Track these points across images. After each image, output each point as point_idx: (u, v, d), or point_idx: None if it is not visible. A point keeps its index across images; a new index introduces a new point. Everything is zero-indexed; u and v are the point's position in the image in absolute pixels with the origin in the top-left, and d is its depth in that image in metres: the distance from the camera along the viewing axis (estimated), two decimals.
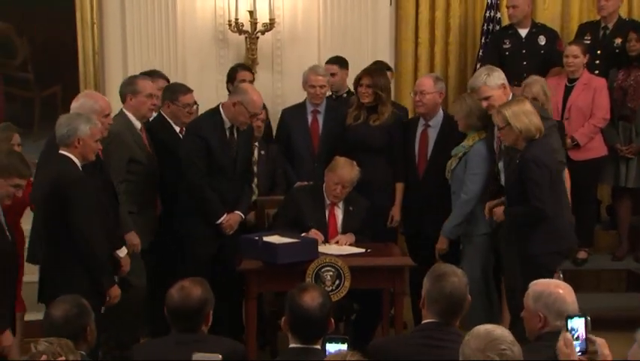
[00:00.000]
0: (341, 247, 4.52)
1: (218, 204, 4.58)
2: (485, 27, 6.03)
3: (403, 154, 5.03)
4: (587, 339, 2.62)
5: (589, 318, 2.65)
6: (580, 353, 2.60)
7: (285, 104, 5.72)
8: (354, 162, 4.69)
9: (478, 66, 5.95)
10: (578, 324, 2.64)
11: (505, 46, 5.83)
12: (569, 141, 5.25)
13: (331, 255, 4.28)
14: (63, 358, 2.56)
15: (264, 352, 4.83)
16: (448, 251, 4.76)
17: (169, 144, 4.76)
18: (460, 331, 2.78)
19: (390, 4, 6.21)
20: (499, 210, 4.34)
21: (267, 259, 4.23)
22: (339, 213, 4.76)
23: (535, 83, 4.95)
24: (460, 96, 4.91)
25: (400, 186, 5.03)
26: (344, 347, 2.64)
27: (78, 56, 5.78)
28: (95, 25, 5.78)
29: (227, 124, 4.60)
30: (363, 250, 4.48)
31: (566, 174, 4.79)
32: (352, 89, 5.25)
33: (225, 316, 4.66)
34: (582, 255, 5.52)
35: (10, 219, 3.90)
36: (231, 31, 5.85)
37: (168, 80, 5.26)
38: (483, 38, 6.04)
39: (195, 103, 4.93)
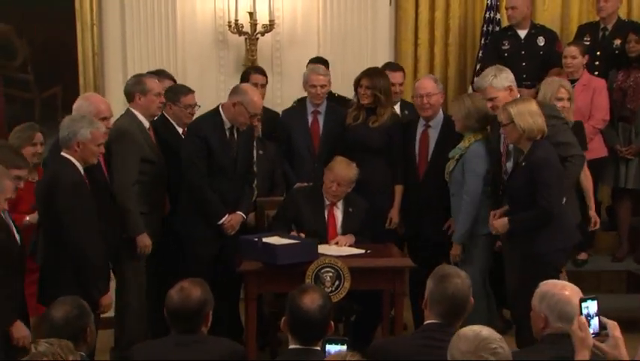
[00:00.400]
0: (341, 248, 4.52)
1: (219, 204, 4.58)
2: (485, 28, 6.04)
3: (403, 156, 5.03)
4: (600, 321, 2.65)
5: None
6: (593, 335, 2.62)
7: (285, 105, 5.73)
8: (353, 162, 4.69)
9: (477, 67, 5.98)
10: (591, 307, 2.66)
11: (504, 47, 5.84)
12: None
13: (331, 256, 4.28)
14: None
15: (264, 353, 4.83)
16: (448, 251, 4.77)
17: (172, 145, 4.77)
18: None
19: (390, 4, 6.22)
20: (499, 223, 4.28)
21: (267, 260, 4.23)
22: (338, 214, 4.75)
23: (544, 85, 4.91)
24: (459, 97, 4.90)
25: (399, 188, 5.03)
26: (344, 348, 2.64)
27: (78, 57, 5.79)
28: (95, 27, 5.79)
29: (227, 124, 4.61)
30: (362, 251, 4.47)
31: (587, 172, 4.81)
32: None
33: (225, 316, 4.67)
34: (582, 256, 5.52)
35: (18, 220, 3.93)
36: (231, 32, 5.86)
37: (175, 81, 5.27)
38: (482, 39, 6.05)
39: (196, 104, 4.94)
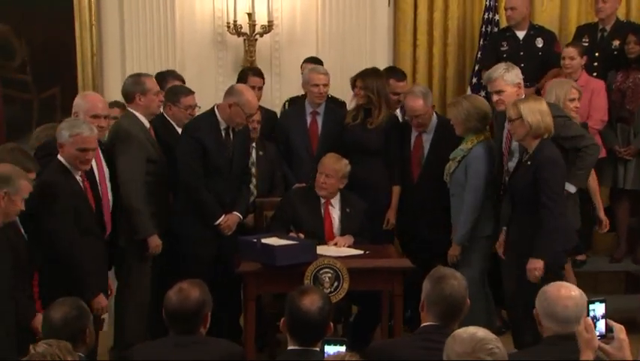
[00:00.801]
0: (339, 249, 4.52)
1: (215, 205, 4.58)
2: (483, 29, 6.05)
3: (400, 157, 5.03)
4: (606, 324, 2.67)
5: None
6: (600, 337, 2.63)
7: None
8: (344, 159, 4.71)
9: (476, 68, 5.98)
10: (598, 309, 2.67)
11: (502, 48, 5.84)
12: None
13: (330, 257, 4.28)
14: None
15: (263, 353, 4.83)
16: (443, 252, 4.77)
17: (172, 146, 4.76)
18: None
19: (389, 5, 6.22)
20: (536, 267, 4.10)
21: (266, 261, 4.23)
22: (335, 214, 4.76)
23: (554, 87, 4.90)
24: (455, 100, 4.85)
25: (396, 189, 5.03)
26: (342, 348, 2.65)
27: (77, 57, 5.78)
28: (94, 27, 5.79)
29: (223, 125, 4.61)
30: (361, 252, 4.48)
31: (593, 173, 4.82)
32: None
33: (224, 317, 4.66)
34: (581, 257, 5.51)
35: None
36: (230, 33, 5.86)
37: (184, 81, 5.26)
38: (481, 40, 6.05)
39: (197, 105, 4.94)
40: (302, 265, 4.19)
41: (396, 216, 5.04)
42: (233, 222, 4.64)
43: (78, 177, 4.01)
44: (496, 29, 6.01)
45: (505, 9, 5.85)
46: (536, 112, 4.15)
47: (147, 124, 4.59)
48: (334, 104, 5.45)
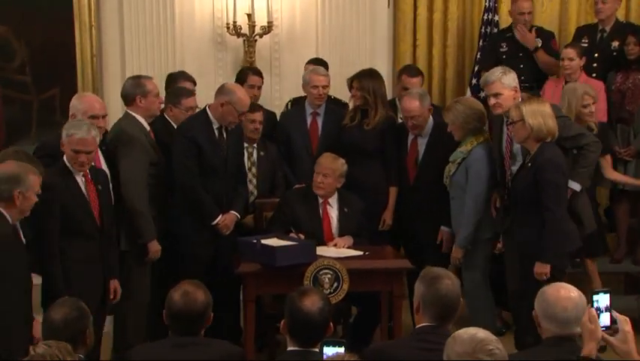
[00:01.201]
0: (339, 250, 4.53)
1: (212, 205, 4.58)
2: (483, 30, 6.05)
3: (397, 158, 5.03)
4: (610, 315, 2.65)
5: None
6: (604, 329, 2.62)
7: (283, 106, 5.73)
8: (341, 158, 4.72)
9: (475, 69, 5.99)
10: (601, 300, 2.66)
11: (502, 49, 5.85)
12: None
13: (329, 257, 4.28)
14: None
15: (263, 354, 4.83)
16: (440, 255, 4.77)
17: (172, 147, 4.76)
18: None
19: (389, 6, 6.22)
20: (543, 270, 4.12)
21: (265, 262, 4.23)
22: (333, 214, 4.76)
23: (567, 94, 4.90)
24: (450, 106, 4.79)
25: (392, 190, 5.02)
26: (341, 350, 2.65)
27: (76, 58, 5.78)
28: (94, 28, 5.78)
29: (216, 124, 4.60)
30: (361, 253, 4.48)
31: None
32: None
33: (224, 318, 4.66)
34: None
35: None
36: (229, 34, 5.86)
37: (195, 83, 5.26)
38: (480, 41, 6.05)
39: (197, 107, 4.94)
40: (302, 265, 4.20)
41: (392, 218, 5.03)
42: (230, 222, 4.64)
43: (79, 179, 4.01)
44: (495, 30, 6.01)
45: (521, 13, 5.80)
46: (538, 114, 4.14)
47: (147, 126, 4.59)
48: (336, 105, 5.45)
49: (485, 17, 6.04)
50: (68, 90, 5.58)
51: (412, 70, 5.55)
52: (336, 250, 4.51)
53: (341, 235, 4.70)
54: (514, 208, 4.33)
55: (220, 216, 4.59)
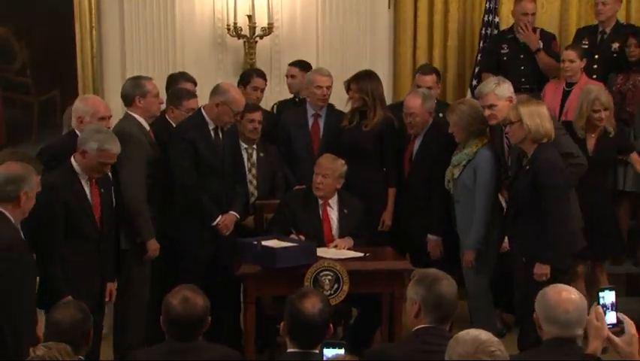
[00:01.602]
0: (339, 251, 4.52)
1: (211, 205, 4.58)
2: (483, 31, 6.05)
3: (397, 159, 5.02)
4: (617, 313, 2.65)
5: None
6: (610, 326, 2.61)
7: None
8: (340, 159, 4.71)
9: (476, 70, 5.98)
10: (607, 297, 2.65)
11: (503, 51, 5.84)
12: None
13: (330, 259, 4.28)
14: None
15: (263, 355, 4.82)
16: (444, 256, 4.77)
17: None
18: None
19: (389, 7, 6.22)
20: (543, 271, 4.13)
21: (266, 263, 4.23)
22: (333, 215, 4.76)
23: (582, 95, 4.88)
24: (454, 106, 4.77)
25: (391, 191, 5.02)
26: (341, 351, 2.65)
27: (77, 60, 5.79)
28: (94, 30, 5.79)
29: (212, 125, 4.60)
30: (361, 254, 4.48)
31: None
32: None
33: (224, 319, 4.66)
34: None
35: None
36: (230, 35, 5.86)
37: (196, 83, 5.27)
38: (481, 42, 6.05)
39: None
40: (302, 267, 4.20)
41: (392, 218, 5.03)
42: (230, 222, 4.64)
43: (84, 181, 4.01)
44: (496, 32, 6.01)
45: (524, 14, 5.78)
46: (535, 115, 4.14)
47: (147, 126, 4.59)
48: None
49: (486, 19, 6.04)
50: (69, 92, 5.61)
51: (425, 68, 5.56)
52: (337, 252, 4.51)
53: (341, 236, 4.70)
54: (515, 211, 4.32)
55: (219, 216, 4.59)
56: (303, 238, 4.56)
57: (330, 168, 4.69)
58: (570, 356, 2.66)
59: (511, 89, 4.59)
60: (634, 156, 5.15)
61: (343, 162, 4.73)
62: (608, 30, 5.76)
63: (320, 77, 5.21)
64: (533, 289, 3.91)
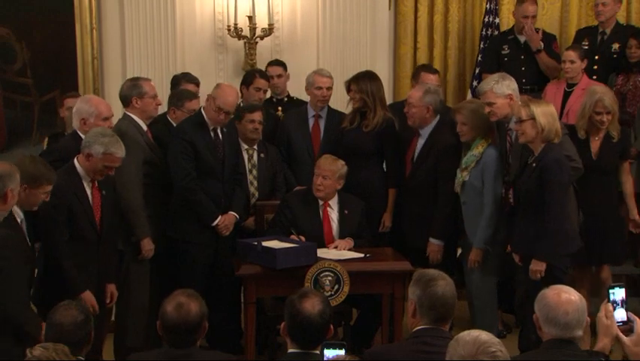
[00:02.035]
0: (340, 252, 4.52)
1: (211, 206, 4.58)
2: (484, 32, 6.05)
3: (397, 160, 5.01)
4: (626, 310, 2.64)
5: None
6: (620, 324, 2.61)
7: None
8: (340, 160, 4.71)
9: (476, 71, 5.99)
10: (617, 293, 2.64)
11: (504, 52, 5.85)
12: None
13: (330, 260, 4.28)
14: None
15: (263, 356, 4.82)
16: (444, 257, 4.76)
17: None
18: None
19: (389, 8, 6.23)
20: (539, 268, 4.14)
21: (266, 264, 4.23)
22: (333, 216, 4.76)
23: (587, 95, 4.88)
24: (463, 104, 4.77)
25: (392, 192, 5.01)
26: (342, 352, 2.64)
27: (77, 61, 5.80)
28: (95, 30, 5.80)
29: (211, 126, 4.61)
30: (361, 255, 4.47)
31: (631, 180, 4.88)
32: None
33: (224, 320, 4.66)
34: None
35: None
36: (230, 36, 5.86)
37: (198, 84, 5.27)
38: (482, 43, 6.06)
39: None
40: (302, 268, 4.19)
41: (392, 219, 5.02)
42: (230, 222, 4.64)
43: (86, 183, 4.01)
44: (496, 32, 6.02)
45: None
46: (549, 115, 4.17)
47: (144, 127, 4.60)
48: (298, 105, 5.46)
49: (486, 19, 6.04)
50: (69, 92, 5.59)
51: (430, 67, 5.62)
52: (337, 252, 4.51)
53: (342, 237, 4.70)
54: (519, 209, 4.32)
55: (220, 217, 4.60)
56: (303, 238, 4.55)
57: (330, 170, 4.68)
58: (570, 357, 2.65)
59: (513, 85, 4.58)
60: (625, 165, 5.12)
61: (343, 162, 4.73)
62: (608, 31, 5.76)
63: (320, 78, 5.21)
64: (534, 291, 3.93)
